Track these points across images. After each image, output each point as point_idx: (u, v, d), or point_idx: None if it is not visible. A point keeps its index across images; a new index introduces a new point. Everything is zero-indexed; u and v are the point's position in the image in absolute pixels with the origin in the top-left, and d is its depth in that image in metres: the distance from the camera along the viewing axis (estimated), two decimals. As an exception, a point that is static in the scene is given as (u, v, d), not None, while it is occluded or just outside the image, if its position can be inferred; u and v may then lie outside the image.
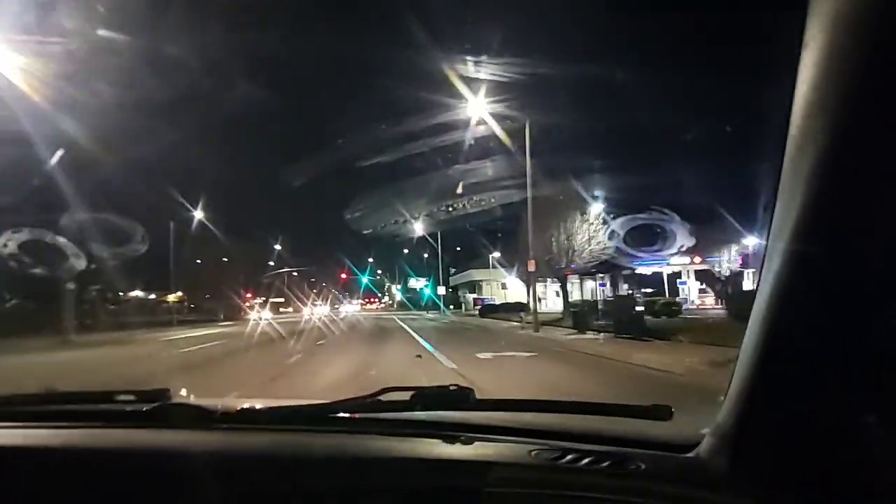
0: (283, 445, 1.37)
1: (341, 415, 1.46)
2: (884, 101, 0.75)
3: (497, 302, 46.39)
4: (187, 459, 1.29)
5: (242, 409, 1.53)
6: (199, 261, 47.40)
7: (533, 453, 1.24)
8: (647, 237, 27.28)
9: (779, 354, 0.91)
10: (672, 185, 28.47)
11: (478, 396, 1.41)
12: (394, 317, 43.59)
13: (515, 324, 26.22)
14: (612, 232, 26.14)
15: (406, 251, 65.36)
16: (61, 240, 24.58)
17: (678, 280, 40.35)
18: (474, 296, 56.94)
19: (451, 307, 56.85)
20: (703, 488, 1.04)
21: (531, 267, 23.13)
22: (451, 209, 36.00)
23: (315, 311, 52.42)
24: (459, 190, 30.65)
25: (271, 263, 66.19)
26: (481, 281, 55.85)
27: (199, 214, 41.77)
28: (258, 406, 1.61)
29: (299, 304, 60.37)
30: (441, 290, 54.52)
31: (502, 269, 47.39)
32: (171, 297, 49.30)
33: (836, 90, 0.78)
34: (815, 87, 0.80)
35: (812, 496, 0.91)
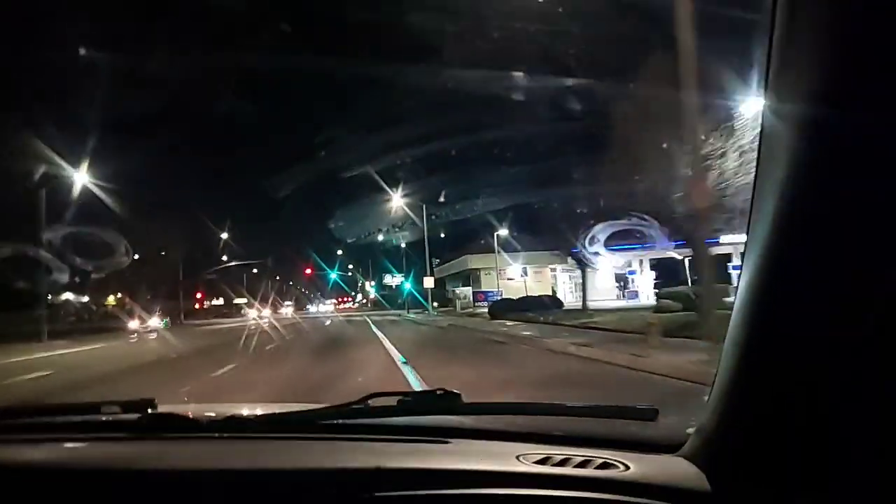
0: (272, 453, 1.39)
1: (329, 420, 1.48)
2: (851, 92, 0.75)
3: (509, 296, 33.46)
4: (176, 470, 1.30)
5: (230, 416, 1.50)
6: (136, 256, 37.77)
7: (520, 456, 1.24)
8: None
9: (760, 353, 0.92)
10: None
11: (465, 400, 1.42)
12: (366, 318, 37.04)
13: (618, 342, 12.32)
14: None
15: (381, 240, 55.27)
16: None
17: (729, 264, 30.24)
18: (470, 289, 45.49)
19: (436, 304, 47.55)
20: (688, 488, 1.07)
21: (700, 200, 10.27)
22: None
23: (264, 314, 46.31)
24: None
25: (225, 258, 56.97)
26: (478, 270, 44.01)
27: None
28: (245, 413, 1.58)
29: (265, 304, 54.78)
30: (429, 282, 40.80)
31: (507, 255, 37.89)
32: (111, 300, 43.70)
33: (804, 83, 0.79)
34: (784, 83, 0.81)
35: (795, 495, 0.92)
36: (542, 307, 25.78)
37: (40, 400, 7.74)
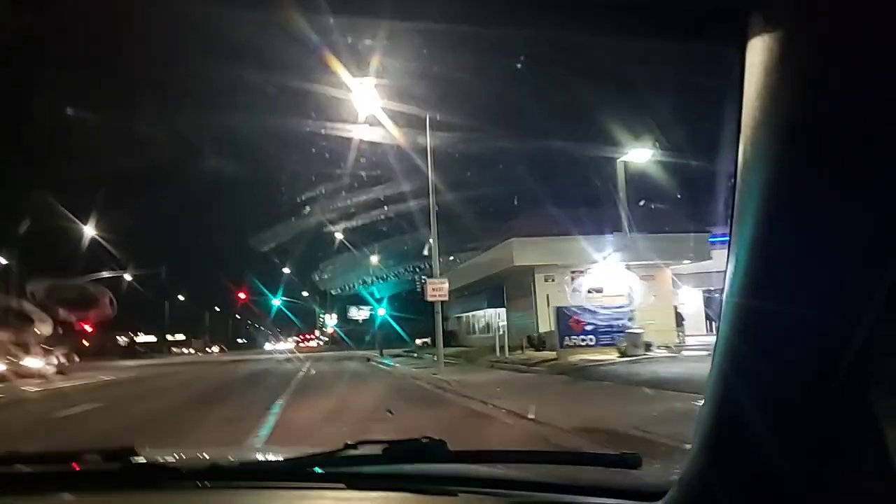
0: (255, 503, 1.41)
1: (313, 468, 1.46)
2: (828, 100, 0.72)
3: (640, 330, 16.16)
4: None
5: (212, 465, 1.47)
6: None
7: None
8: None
9: (742, 398, 0.89)
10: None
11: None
12: (304, 369, 20.93)
13: None
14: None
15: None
16: None
17: None
18: (501, 313, 23.97)
19: (425, 342, 32.08)
20: None
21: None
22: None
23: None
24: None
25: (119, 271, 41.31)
26: (532, 273, 21.21)
27: None
28: (228, 461, 1.55)
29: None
30: (437, 291, 16.33)
31: (589, 242, 18.54)
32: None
33: (780, 93, 0.76)
34: (759, 95, 0.78)
35: None
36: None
37: None
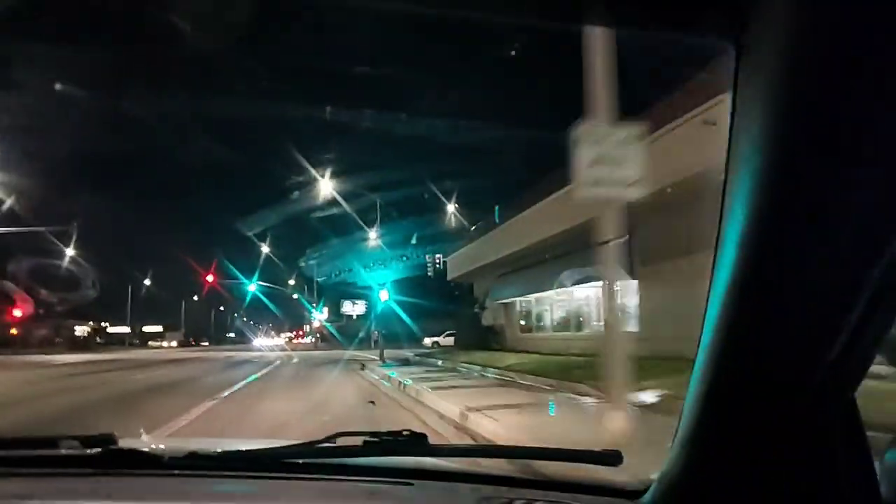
0: (234, 491, 1.39)
1: (293, 459, 1.46)
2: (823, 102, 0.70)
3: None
4: None
5: (192, 453, 1.45)
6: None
7: (483, 499, 1.26)
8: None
9: (723, 396, 0.89)
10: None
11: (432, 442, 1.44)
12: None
13: None
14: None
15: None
16: None
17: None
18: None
19: (435, 341, 23.50)
20: None
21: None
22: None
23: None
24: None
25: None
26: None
27: None
28: (208, 449, 1.52)
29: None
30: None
31: None
32: None
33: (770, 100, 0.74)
34: (755, 91, 0.76)
35: None
36: None
37: None
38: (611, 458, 1.29)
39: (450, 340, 30.48)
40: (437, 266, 28.74)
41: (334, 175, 24.99)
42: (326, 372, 16.96)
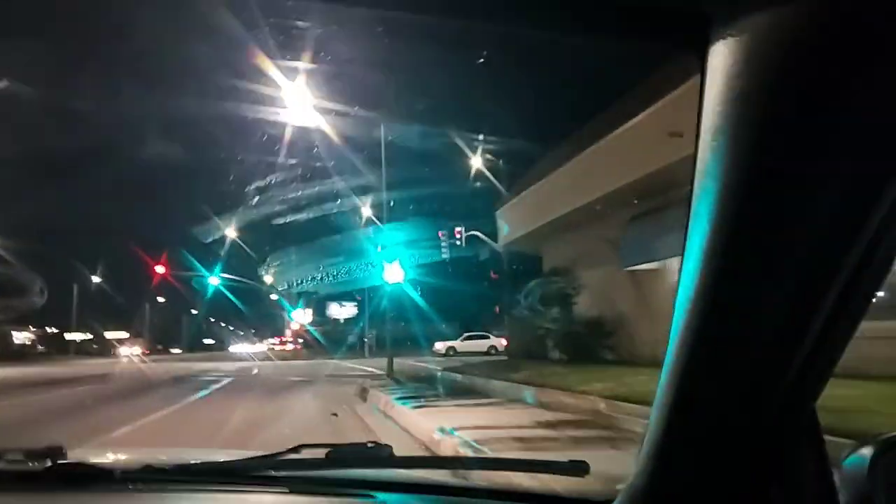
0: None
1: (253, 472, 1.43)
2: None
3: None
4: None
5: (146, 465, 1.41)
6: None
7: None
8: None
9: (690, 404, 0.89)
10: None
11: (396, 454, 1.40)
12: None
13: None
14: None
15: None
16: None
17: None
18: None
19: (448, 346, 16.55)
20: None
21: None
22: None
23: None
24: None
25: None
26: None
27: None
28: (163, 461, 1.48)
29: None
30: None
31: None
32: None
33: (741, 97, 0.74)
34: (721, 99, 0.76)
35: None
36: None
37: None
38: (577, 468, 1.30)
39: (473, 345, 23.67)
40: (458, 242, 20.84)
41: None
42: (290, 408, 9.86)
